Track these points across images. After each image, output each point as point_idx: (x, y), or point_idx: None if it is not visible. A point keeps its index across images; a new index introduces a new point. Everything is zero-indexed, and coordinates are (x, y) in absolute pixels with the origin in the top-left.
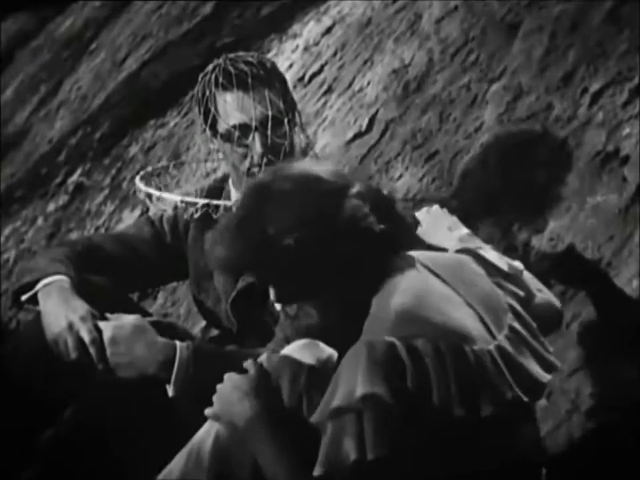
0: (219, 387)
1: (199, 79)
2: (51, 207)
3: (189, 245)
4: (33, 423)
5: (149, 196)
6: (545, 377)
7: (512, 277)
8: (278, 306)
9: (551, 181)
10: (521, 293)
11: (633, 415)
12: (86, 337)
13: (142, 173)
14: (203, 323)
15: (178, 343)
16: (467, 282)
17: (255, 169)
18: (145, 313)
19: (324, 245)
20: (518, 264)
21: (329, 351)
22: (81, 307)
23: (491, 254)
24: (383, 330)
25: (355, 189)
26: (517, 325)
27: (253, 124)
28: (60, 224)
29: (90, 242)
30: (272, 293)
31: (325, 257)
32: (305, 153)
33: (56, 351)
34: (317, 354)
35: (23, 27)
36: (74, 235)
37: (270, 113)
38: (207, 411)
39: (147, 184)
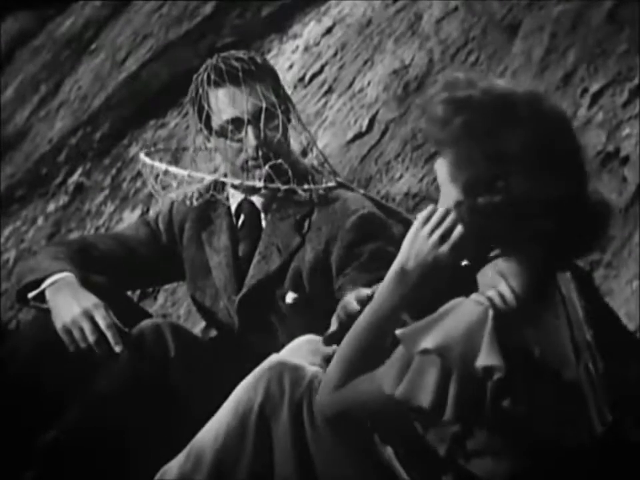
0: None
1: (193, 79)
2: (51, 207)
3: (185, 245)
4: (33, 424)
5: (154, 172)
6: (599, 427)
7: (586, 311)
8: (289, 299)
9: None
10: (591, 332)
11: (633, 414)
12: (101, 322)
13: (145, 150)
14: (203, 324)
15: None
16: (570, 297)
17: (251, 163)
18: (145, 313)
19: None
20: None
21: (330, 348)
22: (92, 297)
23: None
24: (503, 308)
25: None
26: (590, 366)
27: (246, 117)
28: (60, 224)
29: (84, 241)
30: None
31: None
32: (305, 153)
33: (68, 340)
34: (318, 352)
35: (23, 26)
36: (74, 235)
37: (262, 106)
38: None
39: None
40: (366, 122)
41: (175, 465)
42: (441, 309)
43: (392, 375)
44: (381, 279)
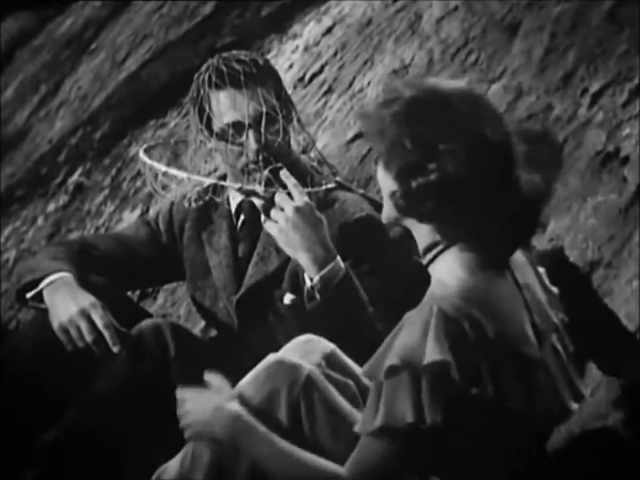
0: (187, 408)
1: (194, 79)
2: (51, 207)
3: (185, 245)
4: (33, 424)
5: (152, 172)
6: (573, 405)
7: (555, 297)
8: (287, 300)
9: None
10: (561, 316)
11: (632, 414)
12: (99, 321)
13: (145, 146)
14: (203, 324)
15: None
16: (528, 284)
17: (251, 166)
18: (145, 313)
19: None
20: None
21: (328, 347)
22: (90, 296)
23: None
24: (448, 301)
25: None
26: (558, 347)
27: (247, 121)
28: (60, 224)
29: (85, 242)
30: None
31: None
32: (305, 152)
33: (65, 339)
34: (316, 351)
35: (23, 26)
36: (74, 235)
37: (263, 110)
38: (186, 434)
39: (151, 158)
40: None
41: (173, 464)
42: (394, 329)
43: (368, 414)
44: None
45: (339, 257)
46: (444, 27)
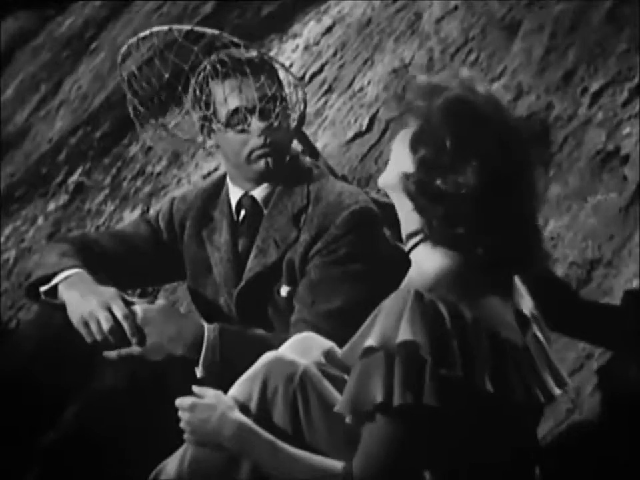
0: (190, 417)
1: (194, 76)
2: (51, 206)
3: (185, 243)
4: (33, 424)
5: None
6: (556, 390)
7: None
8: (284, 292)
9: (551, 180)
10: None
11: (633, 415)
12: (119, 313)
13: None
14: None
15: (205, 324)
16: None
17: (258, 152)
18: None
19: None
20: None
21: (327, 344)
22: (109, 290)
23: None
24: (425, 284)
25: None
26: (539, 335)
27: (257, 103)
28: (60, 224)
29: (86, 239)
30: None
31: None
32: (305, 152)
33: (85, 332)
34: (315, 348)
35: (23, 26)
36: None
37: (269, 94)
38: (189, 441)
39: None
40: (366, 121)
41: (171, 464)
42: (372, 313)
43: (344, 395)
44: (331, 277)
45: (204, 329)
46: (444, 26)
